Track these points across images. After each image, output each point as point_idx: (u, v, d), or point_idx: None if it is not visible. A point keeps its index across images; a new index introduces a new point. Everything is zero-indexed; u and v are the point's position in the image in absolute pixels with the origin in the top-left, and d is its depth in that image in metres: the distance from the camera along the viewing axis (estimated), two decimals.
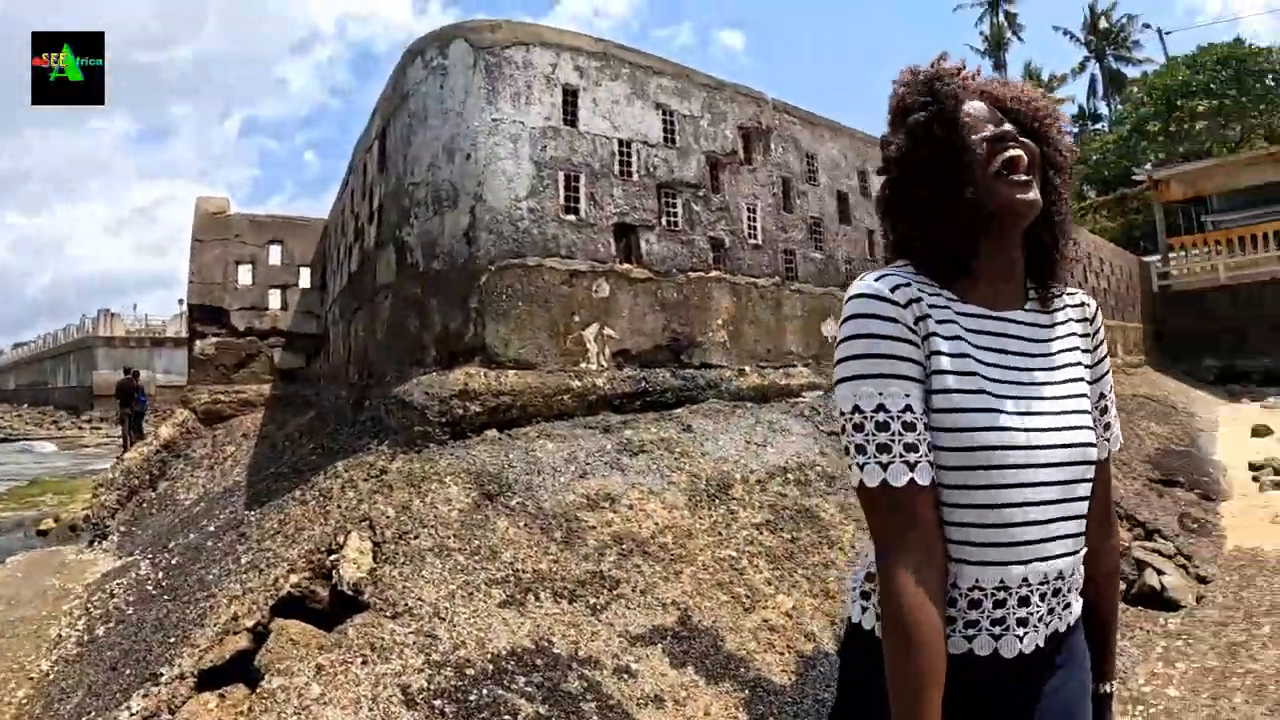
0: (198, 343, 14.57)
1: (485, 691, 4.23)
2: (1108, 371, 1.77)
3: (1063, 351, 1.64)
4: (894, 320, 1.48)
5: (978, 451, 1.45)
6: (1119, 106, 48.21)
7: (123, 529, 11.59)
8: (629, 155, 7.78)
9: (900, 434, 1.42)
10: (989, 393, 1.48)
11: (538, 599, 4.95)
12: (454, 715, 4.08)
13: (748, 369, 8.39)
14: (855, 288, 1.54)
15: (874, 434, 1.43)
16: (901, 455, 1.41)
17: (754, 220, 8.93)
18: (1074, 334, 1.69)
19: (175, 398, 36.78)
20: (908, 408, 1.43)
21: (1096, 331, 1.75)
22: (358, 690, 4.14)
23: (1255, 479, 10.89)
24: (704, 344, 8.04)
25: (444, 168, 7.11)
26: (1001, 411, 1.47)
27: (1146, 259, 26.58)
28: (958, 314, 1.55)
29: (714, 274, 8.29)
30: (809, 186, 9.84)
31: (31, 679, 6.61)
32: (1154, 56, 47.58)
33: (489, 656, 4.45)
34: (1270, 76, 36.42)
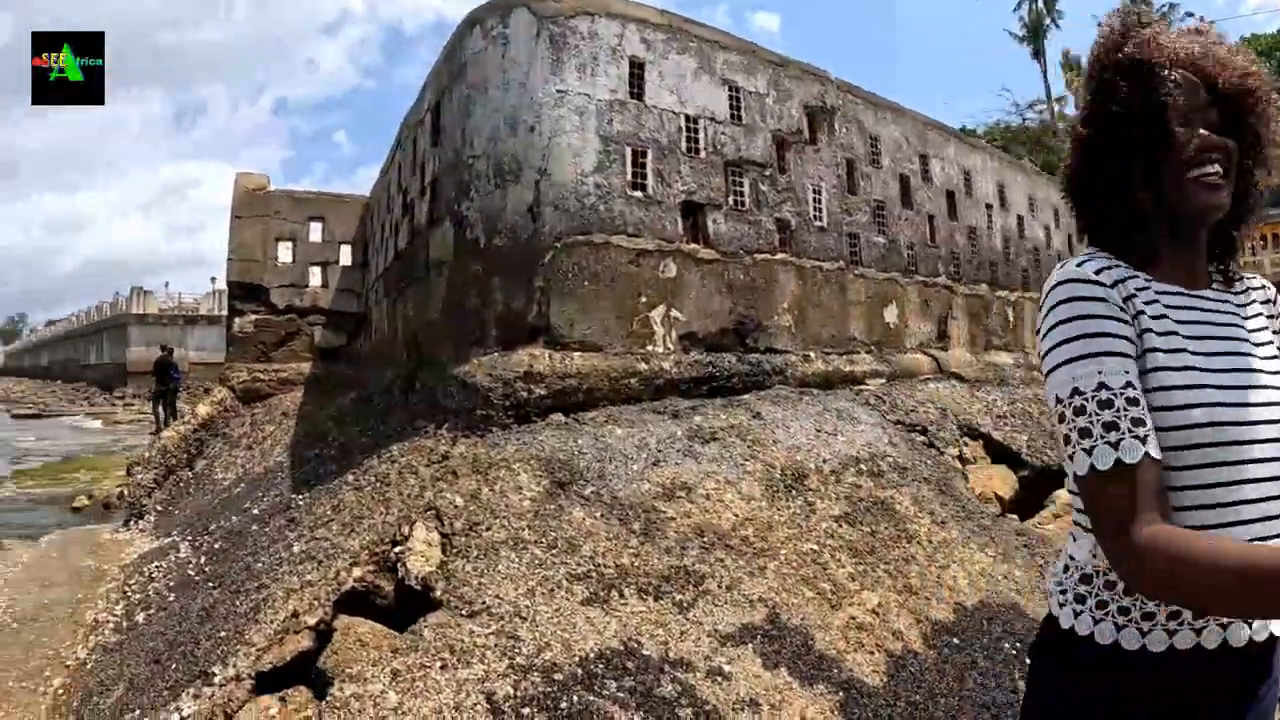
0: (236, 320, 14.31)
1: (576, 698, 3.94)
2: None
3: (1258, 330, 1.58)
4: (1103, 300, 1.43)
5: (1192, 430, 1.38)
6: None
7: (159, 508, 11.34)
8: (696, 132, 7.43)
9: (1125, 409, 1.34)
10: (1198, 368, 1.43)
11: (622, 596, 4.64)
12: None
13: (812, 355, 8.03)
14: (1058, 275, 1.49)
15: (1098, 413, 1.35)
16: (1130, 430, 1.33)
17: (819, 202, 8.55)
18: (1261, 314, 1.62)
19: (208, 375, 36.93)
20: (1129, 384, 1.36)
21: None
22: (439, 698, 3.84)
23: None
24: (770, 328, 7.68)
25: (506, 140, 6.75)
26: (1212, 387, 1.41)
27: None
28: (1158, 293, 1.49)
29: (780, 256, 7.94)
30: (872, 169, 9.46)
31: (68, 667, 6.29)
32: None
33: (577, 659, 4.15)
34: None
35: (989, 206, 11.72)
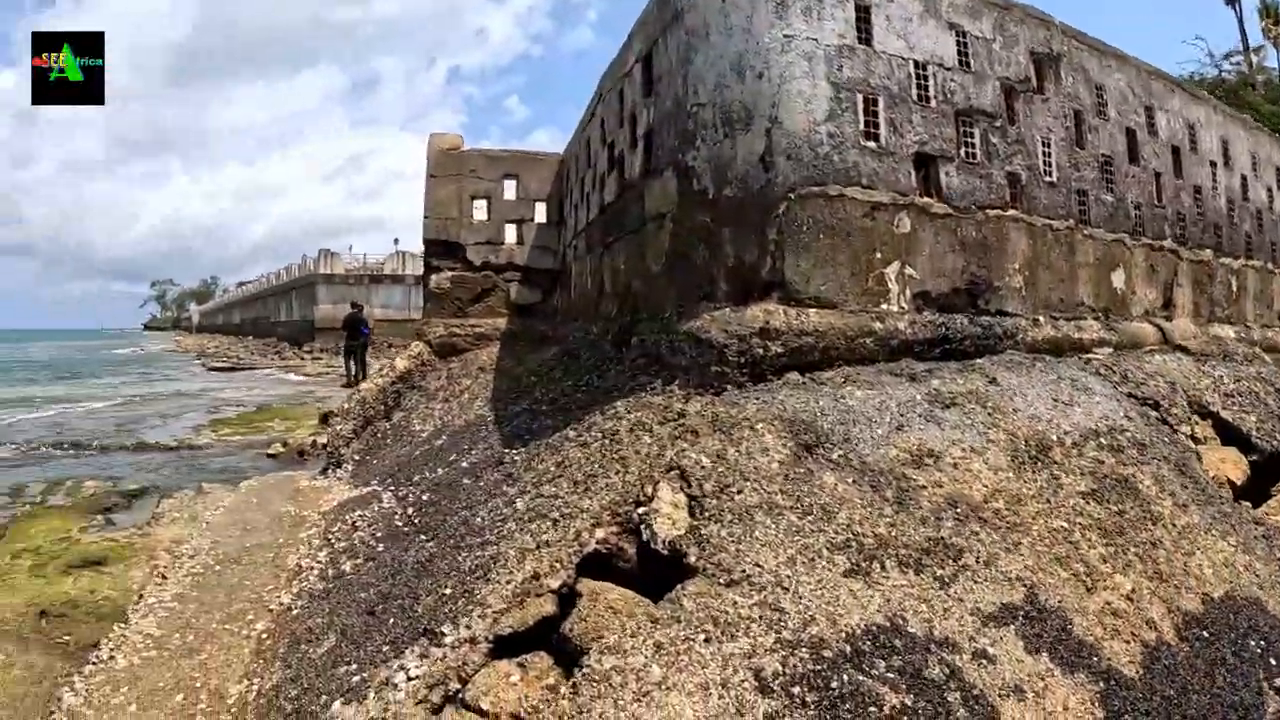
0: (433, 277, 14.45)
1: (846, 677, 3.66)
2: None
3: None
4: None
5: None
6: None
7: (357, 458, 11.56)
8: (925, 79, 6.88)
9: None
10: None
11: (883, 568, 4.30)
12: (815, 705, 3.50)
13: (1041, 319, 7.42)
14: None
15: None
16: None
17: (1048, 155, 7.88)
18: None
19: (391, 331, 38.18)
20: None
21: None
22: (705, 673, 3.59)
23: None
24: (1000, 289, 7.11)
25: (733, 87, 6.38)
26: None
27: None
28: None
29: (1011, 213, 7.33)
30: (1099, 121, 8.67)
31: (271, 611, 6.30)
32: None
33: (843, 635, 3.86)
34: None
35: (1213, 164, 10.67)
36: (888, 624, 3.95)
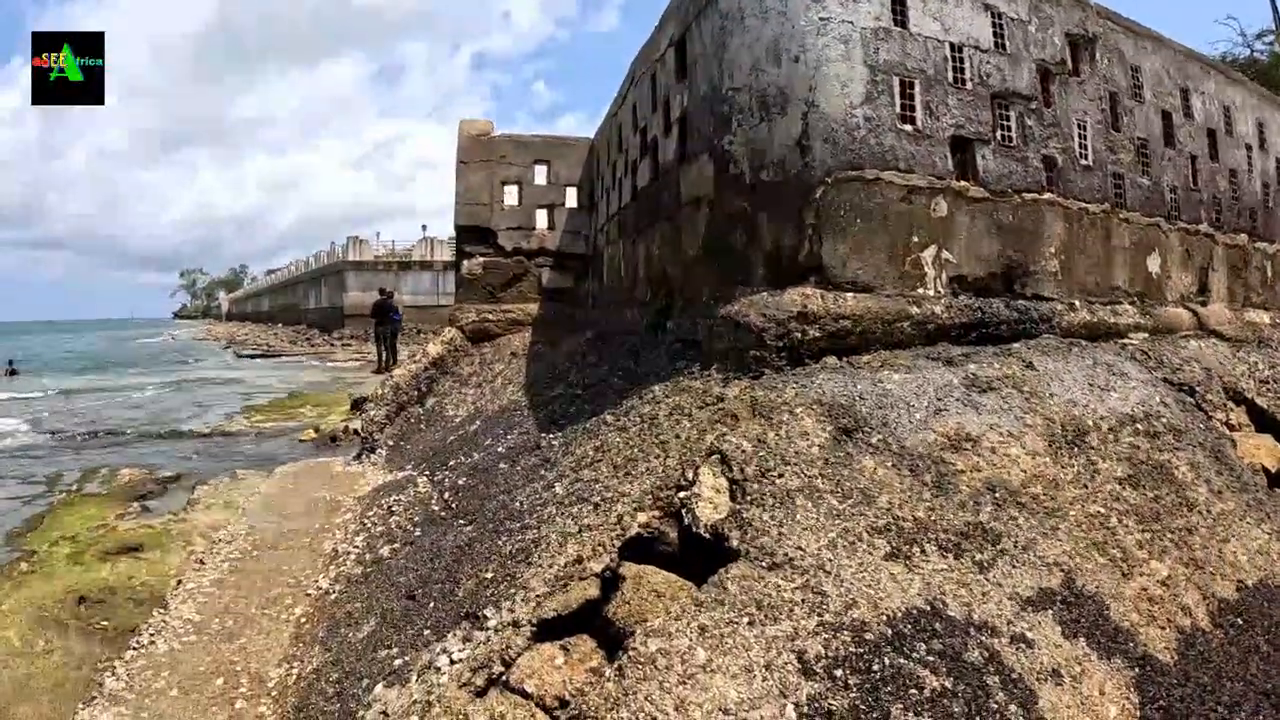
0: (465, 263, 14.51)
1: (888, 660, 3.67)
2: None
3: None
4: None
5: None
6: None
7: (390, 443, 11.64)
8: (961, 61, 6.81)
9: None
10: None
11: (923, 552, 4.31)
12: (858, 687, 3.53)
13: (1077, 303, 7.34)
14: None
15: None
16: None
17: (1084, 138, 7.78)
18: None
19: (420, 317, 38.32)
20: None
21: None
22: (748, 656, 3.62)
23: None
24: (1036, 273, 7.04)
25: (769, 71, 6.35)
26: None
27: None
28: None
29: (1047, 196, 7.25)
30: (1134, 104, 8.55)
31: (309, 595, 6.37)
32: None
33: (884, 618, 3.87)
34: None
35: (1249, 147, 10.49)
36: (928, 607, 3.95)
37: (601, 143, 13.41)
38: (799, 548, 4.13)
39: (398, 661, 4.54)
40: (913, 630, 3.81)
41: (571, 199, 14.81)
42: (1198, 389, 7.13)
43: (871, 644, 3.69)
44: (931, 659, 3.69)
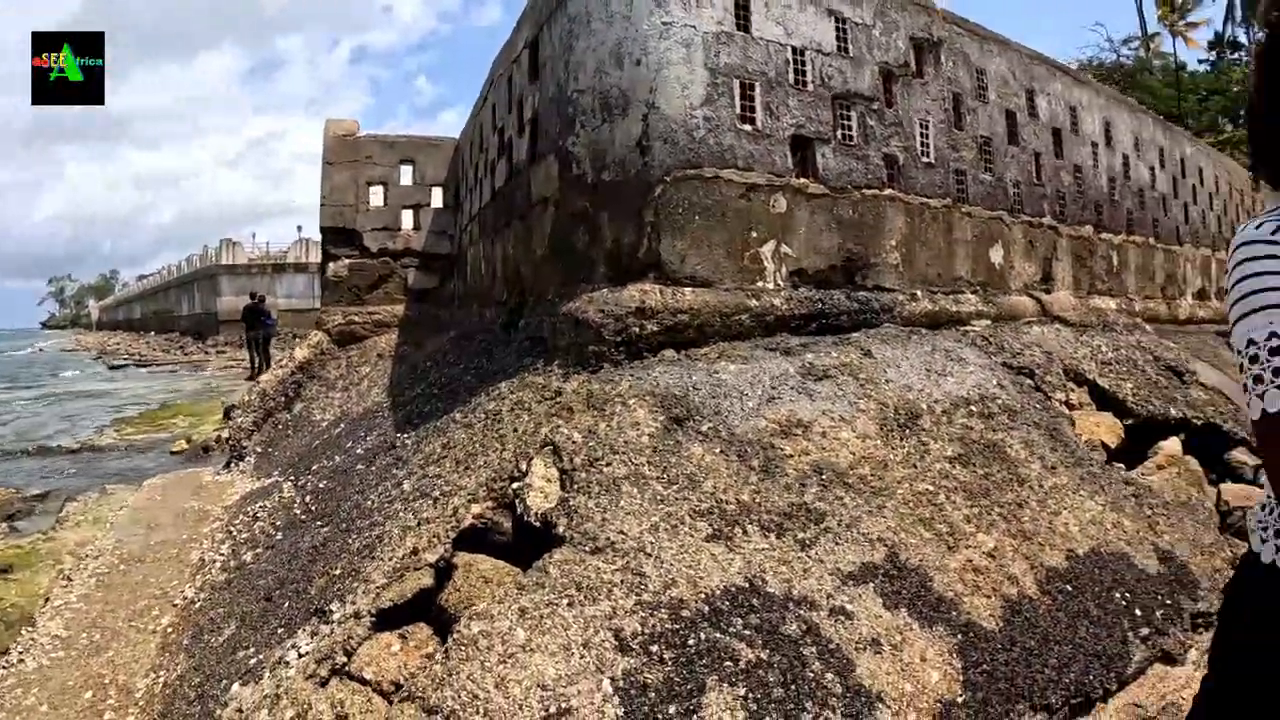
0: (330, 265, 14.48)
1: (703, 635, 3.88)
2: None
3: None
4: (1274, 257, 1.46)
5: None
6: (1260, 35, 45.26)
7: (259, 450, 11.59)
8: (803, 64, 7.17)
9: None
10: None
11: (745, 532, 4.56)
12: (673, 661, 3.74)
13: (919, 294, 7.79)
14: (1237, 238, 1.55)
15: (1269, 360, 1.41)
16: None
17: (926, 137, 8.25)
18: None
19: (296, 321, 37.61)
20: None
21: None
22: (567, 635, 3.81)
23: None
24: (877, 266, 7.46)
25: (612, 73, 6.59)
26: None
27: None
28: None
29: (887, 192, 7.68)
30: (978, 104, 9.10)
31: (176, 606, 6.43)
32: None
33: (703, 596, 4.09)
34: None
35: (1095, 145, 11.23)
36: (746, 585, 4.18)
37: (465, 142, 13.52)
38: (621, 532, 4.34)
39: (253, 660, 4.67)
40: (730, 607, 4.03)
41: (437, 199, 14.92)
42: (1037, 371, 7.63)
43: (688, 620, 3.90)
44: (748, 633, 3.90)
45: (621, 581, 4.07)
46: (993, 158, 9.16)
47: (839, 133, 7.36)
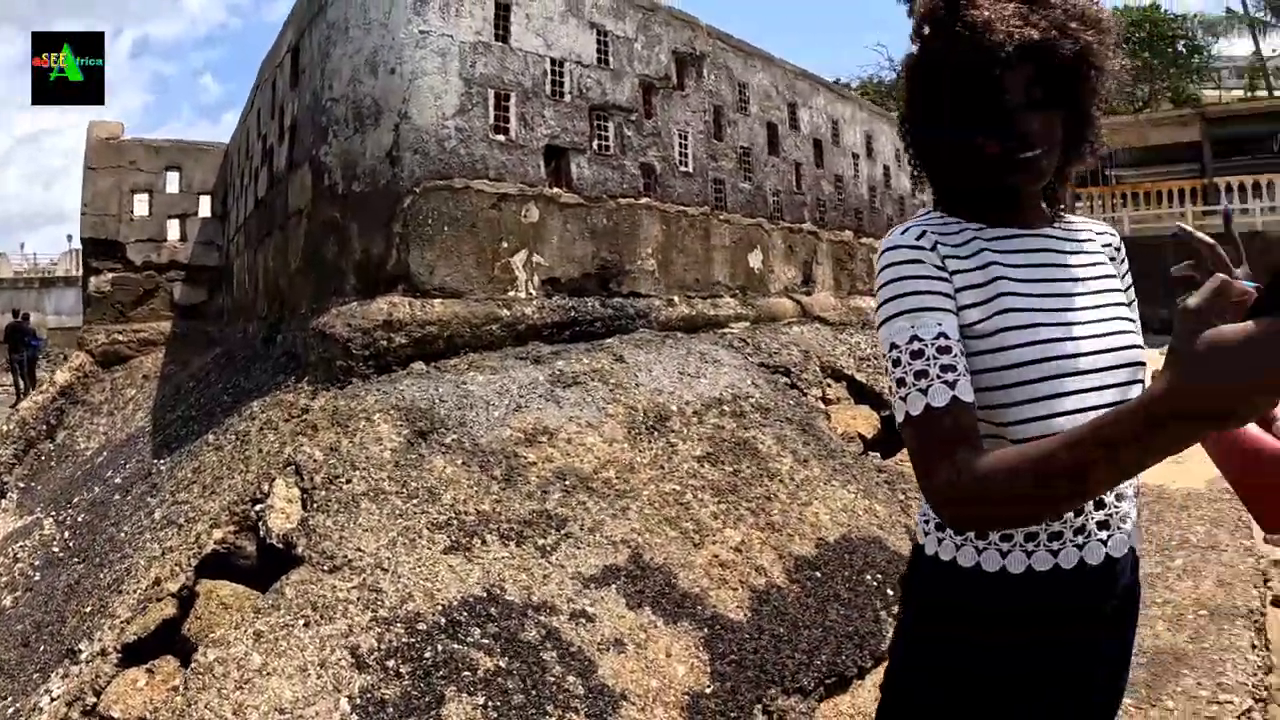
0: (92, 279, 13.74)
1: (440, 647, 3.97)
2: (1134, 302, 1.74)
3: (1097, 265, 1.64)
4: (919, 261, 1.49)
5: (1024, 367, 1.46)
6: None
7: (21, 485, 10.97)
8: (561, 75, 7.41)
9: (935, 358, 1.41)
10: (1029, 309, 1.49)
11: (484, 542, 4.69)
12: (410, 675, 3.83)
13: (676, 299, 8.17)
14: (884, 242, 1.58)
15: (910, 363, 1.42)
16: (940, 376, 1.39)
17: (685, 147, 8.65)
18: (1104, 260, 1.68)
19: (69, 340, 35.22)
20: (941, 334, 1.43)
21: (1124, 260, 1.76)
22: (303, 656, 3.84)
23: None
24: (633, 273, 7.78)
25: (366, 82, 6.65)
26: (1043, 325, 1.48)
27: None
28: (989, 240, 1.56)
29: (644, 201, 8.02)
30: (740, 116, 9.60)
31: None
32: None
33: (440, 609, 4.19)
34: (1182, 43, 39.00)
35: (856, 156, 12.03)
36: (485, 594, 4.29)
37: (234, 148, 13.17)
38: (359, 549, 4.40)
39: (10, 711, 4.51)
40: (468, 617, 4.13)
41: (205, 208, 14.41)
42: (794, 369, 8.11)
43: (424, 634, 3.98)
44: (486, 642, 4.01)
45: (358, 599, 4.12)
46: (752, 167, 9.68)
47: (595, 143, 7.63)
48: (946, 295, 1.48)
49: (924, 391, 1.39)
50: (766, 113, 10.04)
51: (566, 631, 4.22)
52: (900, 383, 1.43)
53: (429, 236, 6.42)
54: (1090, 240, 1.69)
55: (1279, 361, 0.90)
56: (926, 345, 1.42)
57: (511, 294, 6.80)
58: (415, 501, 4.84)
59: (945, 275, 1.50)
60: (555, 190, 7.21)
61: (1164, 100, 36.68)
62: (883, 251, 1.55)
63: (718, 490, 5.79)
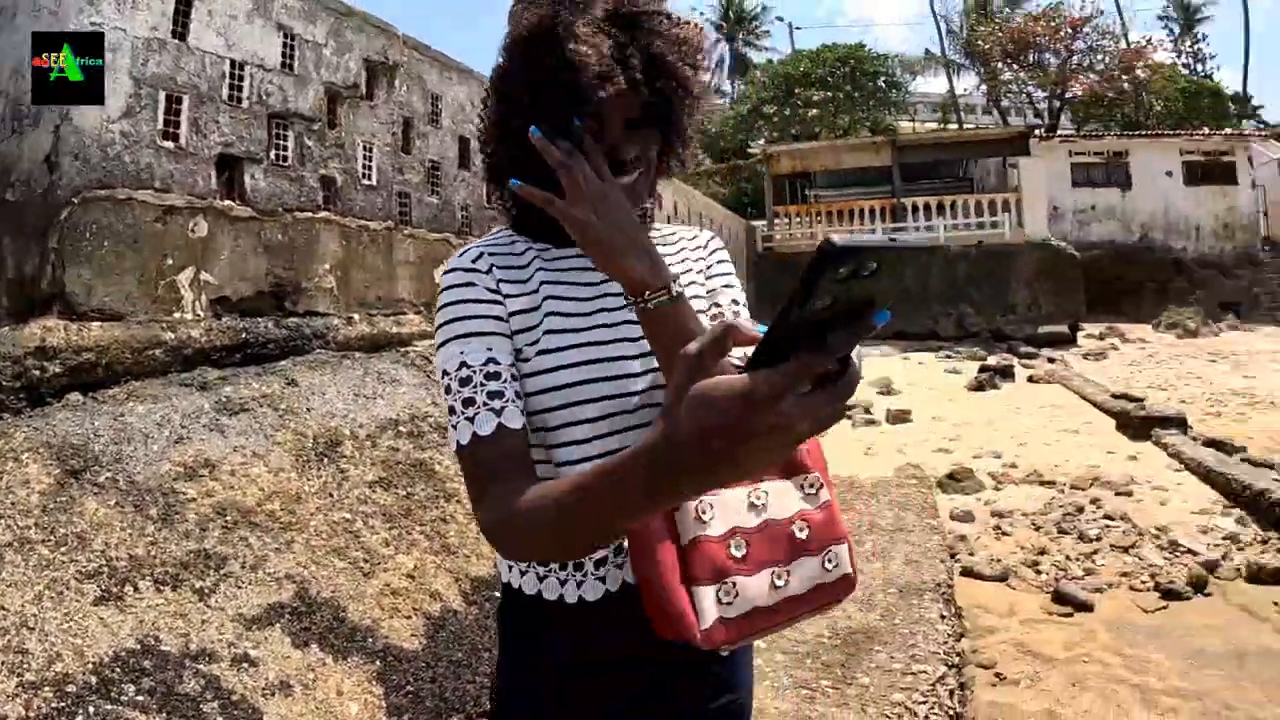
0: None
1: (92, 710, 3.84)
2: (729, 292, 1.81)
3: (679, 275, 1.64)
4: (472, 285, 1.51)
5: (567, 389, 1.49)
6: (742, 87, 56.03)
7: None
8: (241, 79, 7.20)
9: (483, 384, 1.42)
10: (575, 329, 1.54)
11: (137, 590, 4.57)
12: None
13: (357, 317, 8.21)
14: (444, 265, 1.59)
15: (459, 390, 1.43)
16: (486, 404, 1.41)
17: (370, 160, 8.67)
18: (688, 260, 1.77)
19: None
20: (490, 360, 1.45)
21: (715, 255, 1.85)
22: None
23: (849, 419, 12.94)
24: (311, 291, 7.74)
25: (29, 77, 6.18)
26: (589, 344, 1.53)
27: (754, 224, 31.11)
28: (548, 261, 1.61)
29: (322, 215, 7.97)
30: (431, 128, 9.71)
31: None
32: (781, 47, 54.98)
33: (90, 667, 4.03)
34: (882, 79, 45.70)
35: None
36: (139, 646, 4.16)
37: None
38: (2, 608, 4.15)
39: None
40: (122, 673, 3.99)
41: None
42: None
43: (74, 696, 3.81)
44: (142, 698, 3.89)
45: (3, 663, 3.91)
46: (441, 181, 9.82)
47: (273, 153, 7.49)
48: (499, 319, 1.50)
49: (471, 420, 1.40)
50: (460, 126, 10.17)
51: (229, 679, 4.18)
52: (451, 411, 1.44)
53: (88, 252, 6.11)
54: (673, 247, 1.76)
55: (761, 423, 0.86)
56: (475, 372, 1.43)
57: (177, 315, 6.58)
58: (64, 549, 4.62)
59: (499, 298, 1.52)
60: (228, 203, 7.03)
61: (863, 130, 41.92)
62: (443, 274, 1.56)
63: (389, 516, 5.90)
